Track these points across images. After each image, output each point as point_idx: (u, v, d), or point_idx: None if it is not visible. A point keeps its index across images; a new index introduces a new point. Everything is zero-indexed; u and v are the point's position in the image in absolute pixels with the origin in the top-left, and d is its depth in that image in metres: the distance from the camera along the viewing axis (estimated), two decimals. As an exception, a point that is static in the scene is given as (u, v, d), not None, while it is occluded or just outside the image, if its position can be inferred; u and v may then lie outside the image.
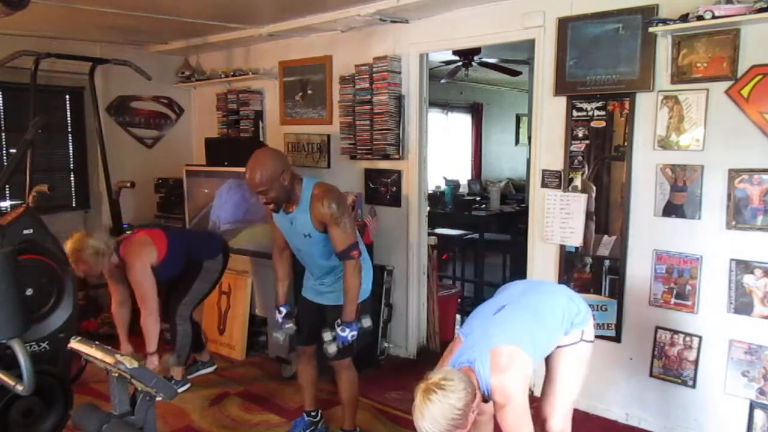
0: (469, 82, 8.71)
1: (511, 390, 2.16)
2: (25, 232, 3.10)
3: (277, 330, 3.32)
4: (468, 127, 9.71)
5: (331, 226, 2.91)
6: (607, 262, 3.54)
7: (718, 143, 3.07)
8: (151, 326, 3.69)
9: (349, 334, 2.93)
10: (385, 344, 4.62)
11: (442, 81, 7.61)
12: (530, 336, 2.25)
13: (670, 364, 3.32)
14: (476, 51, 6.33)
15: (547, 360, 2.43)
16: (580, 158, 3.57)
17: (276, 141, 5.22)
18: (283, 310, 3.26)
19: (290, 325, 3.25)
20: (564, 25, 3.54)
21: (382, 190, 4.60)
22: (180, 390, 3.80)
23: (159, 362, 3.76)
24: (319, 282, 3.17)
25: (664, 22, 3.07)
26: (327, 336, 2.97)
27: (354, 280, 2.96)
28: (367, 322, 3.07)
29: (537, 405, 2.47)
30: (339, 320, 2.97)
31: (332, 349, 2.98)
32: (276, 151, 2.98)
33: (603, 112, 3.46)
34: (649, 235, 3.35)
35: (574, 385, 2.38)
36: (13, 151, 5.13)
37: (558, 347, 2.39)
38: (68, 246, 3.45)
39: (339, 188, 4.78)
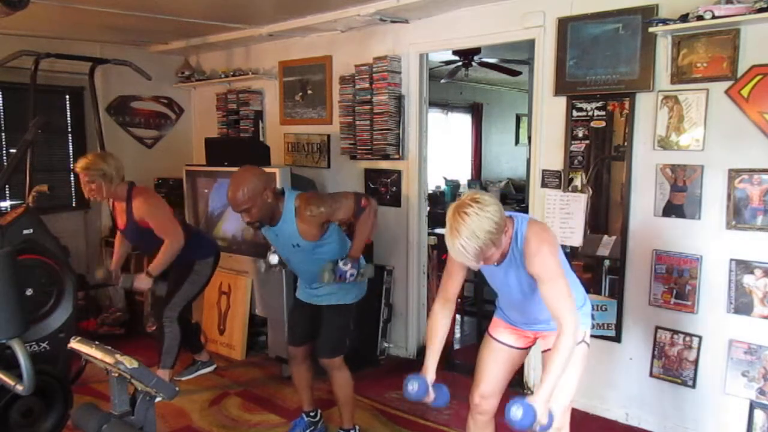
0: (469, 82, 8.71)
1: (547, 238, 2.21)
2: (25, 232, 3.10)
3: (266, 259, 3.36)
4: (468, 127, 9.70)
5: (333, 216, 3.01)
6: (607, 262, 3.54)
7: (718, 143, 3.07)
8: (169, 252, 3.59)
9: (349, 269, 2.97)
10: (385, 344, 4.62)
11: (442, 81, 7.60)
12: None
13: (670, 364, 3.32)
14: (476, 51, 6.33)
15: (546, 359, 2.42)
16: (580, 158, 3.57)
17: (276, 141, 5.23)
18: (274, 247, 3.30)
19: (276, 256, 3.28)
20: (564, 25, 3.54)
21: (382, 190, 4.60)
22: None
23: (149, 284, 3.66)
24: (315, 290, 3.18)
25: (664, 22, 3.08)
26: (328, 265, 3.00)
27: (367, 221, 3.04)
28: (368, 270, 3.11)
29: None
30: (345, 254, 3.03)
31: (327, 276, 2.99)
32: (256, 169, 2.99)
33: (603, 112, 3.46)
34: (649, 235, 3.35)
35: (571, 384, 2.37)
36: (13, 151, 5.13)
37: None
38: (79, 164, 3.53)
39: (338, 189, 4.82)
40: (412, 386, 2.33)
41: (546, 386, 2.07)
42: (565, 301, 2.13)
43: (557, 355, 2.08)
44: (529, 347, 2.59)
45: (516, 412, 2.00)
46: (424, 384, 2.35)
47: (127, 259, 4.98)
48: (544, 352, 2.46)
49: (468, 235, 2.00)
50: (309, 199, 3.00)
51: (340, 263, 2.98)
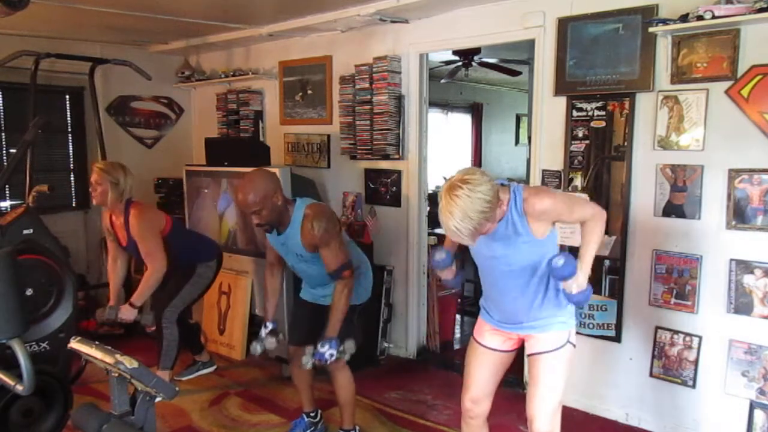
0: (469, 82, 8.70)
1: (543, 189, 2.32)
2: (25, 232, 3.11)
3: (258, 341, 3.24)
4: (468, 127, 9.70)
5: (322, 247, 2.93)
6: (607, 262, 3.54)
7: (718, 143, 3.07)
8: (152, 281, 3.58)
9: (327, 351, 2.89)
10: (385, 344, 4.62)
11: (442, 81, 7.60)
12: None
13: (670, 364, 3.32)
14: (476, 51, 6.32)
15: (533, 363, 2.40)
16: (580, 158, 3.57)
17: (276, 141, 5.23)
18: (270, 326, 3.23)
19: (272, 341, 3.22)
20: (564, 25, 3.54)
21: (382, 190, 4.60)
22: None
23: (133, 315, 3.62)
24: (319, 291, 3.19)
25: (664, 22, 3.08)
26: (308, 349, 2.95)
27: (343, 299, 2.95)
28: (349, 346, 3.02)
29: (523, 406, 2.45)
30: (322, 336, 2.94)
31: (307, 363, 2.95)
32: (267, 171, 3.00)
33: (603, 112, 3.46)
34: (649, 235, 3.35)
35: (559, 386, 2.36)
36: (13, 151, 5.13)
37: (545, 352, 2.37)
38: (99, 163, 3.60)
39: (338, 189, 4.83)
40: (440, 255, 2.49)
41: (586, 259, 2.28)
42: (582, 209, 2.31)
43: (593, 234, 2.29)
44: (516, 349, 2.56)
45: (559, 260, 2.20)
46: (450, 256, 2.50)
47: (129, 266, 4.91)
48: (529, 356, 2.43)
49: (461, 218, 2.02)
50: (318, 213, 2.93)
51: (318, 346, 2.91)
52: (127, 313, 3.61)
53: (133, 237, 3.62)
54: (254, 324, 4.67)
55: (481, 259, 2.42)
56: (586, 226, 2.31)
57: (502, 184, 2.23)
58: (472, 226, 2.04)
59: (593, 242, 2.30)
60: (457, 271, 2.58)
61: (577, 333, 2.60)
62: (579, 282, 2.23)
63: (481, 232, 2.11)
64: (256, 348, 3.25)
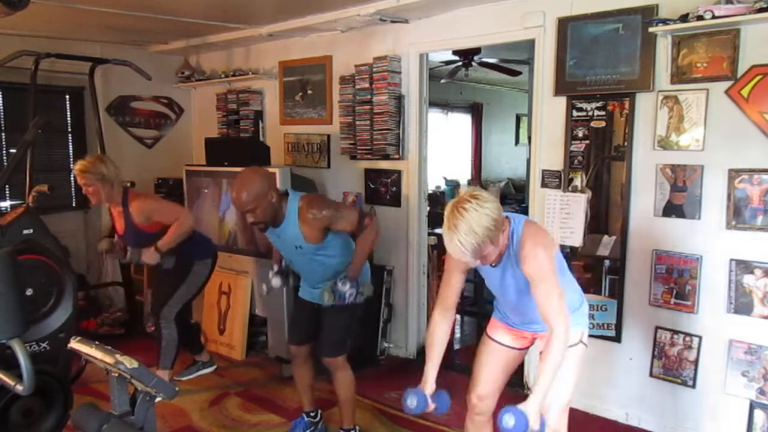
0: (469, 82, 8.71)
1: (543, 240, 2.19)
2: (25, 232, 3.11)
3: (267, 282, 3.34)
4: (468, 127, 9.70)
5: (334, 223, 2.98)
6: (607, 262, 3.54)
7: (718, 143, 3.07)
8: (180, 230, 3.60)
9: (348, 290, 2.97)
10: (385, 344, 4.62)
11: (442, 81, 7.60)
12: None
13: (670, 364, 3.32)
14: (476, 51, 6.33)
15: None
16: (580, 158, 3.57)
17: (276, 141, 5.23)
18: (276, 267, 3.32)
19: (278, 280, 3.29)
20: (564, 25, 3.54)
21: (382, 190, 4.60)
22: None
23: (156, 259, 3.64)
24: (317, 289, 3.18)
25: (664, 22, 3.08)
26: (328, 284, 3.01)
27: (367, 241, 3.03)
28: (368, 289, 3.10)
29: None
30: (343, 274, 3.02)
31: (329, 300, 2.99)
32: (260, 169, 3.02)
33: (603, 112, 3.46)
34: (649, 235, 3.35)
35: (568, 385, 2.37)
36: (13, 151, 5.13)
37: None
38: (78, 167, 3.53)
39: (338, 189, 4.83)
40: (411, 402, 2.32)
41: (538, 392, 2.07)
42: (556, 303, 2.12)
43: (548, 361, 2.09)
44: (527, 348, 2.59)
45: (508, 420, 2.01)
46: (423, 398, 2.33)
47: (128, 264, 4.97)
48: (542, 353, 2.45)
49: (466, 231, 2.00)
50: (312, 202, 3.00)
51: (339, 284, 2.98)
52: (151, 257, 3.62)
53: (135, 224, 3.61)
54: (254, 324, 4.68)
55: (485, 276, 2.44)
56: (548, 344, 2.12)
57: (506, 216, 2.22)
58: (476, 242, 2.01)
59: (549, 370, 2.07)
60: (440, 398, 2.37)
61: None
62: (532, 427, 2.02)
63: (483, 253, 2.08)
64: (263, 288, 3.37)
